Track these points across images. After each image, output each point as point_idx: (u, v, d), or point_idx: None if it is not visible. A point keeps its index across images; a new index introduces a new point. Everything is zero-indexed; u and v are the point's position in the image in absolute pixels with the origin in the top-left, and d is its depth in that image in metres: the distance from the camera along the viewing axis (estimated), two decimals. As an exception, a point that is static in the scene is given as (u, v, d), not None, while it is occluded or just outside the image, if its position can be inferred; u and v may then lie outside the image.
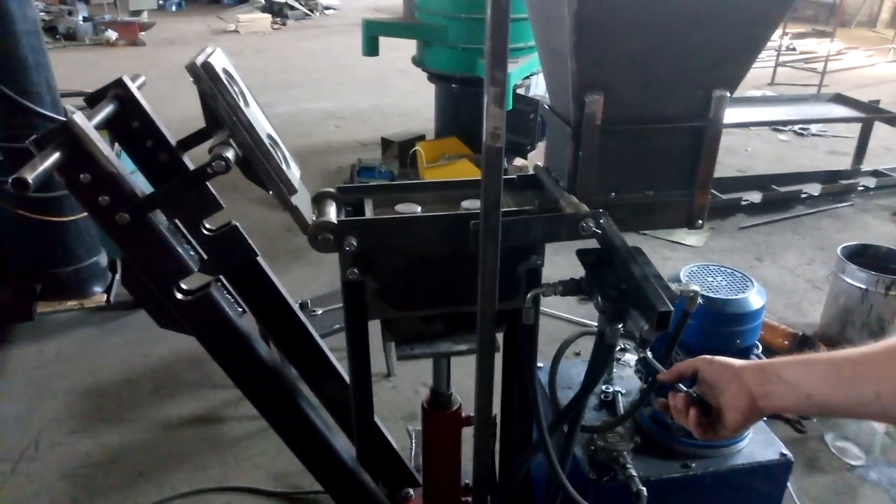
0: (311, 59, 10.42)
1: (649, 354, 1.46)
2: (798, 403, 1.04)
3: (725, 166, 5.83)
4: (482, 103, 1.19)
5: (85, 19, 11.53)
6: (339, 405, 2.04)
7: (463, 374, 2.12)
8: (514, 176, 1.71)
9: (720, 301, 1.71)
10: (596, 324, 1.48)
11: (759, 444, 1.89)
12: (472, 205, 1.60)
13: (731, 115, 1.63)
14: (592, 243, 1.46)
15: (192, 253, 1.49)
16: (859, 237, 4.20)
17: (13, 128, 3.25)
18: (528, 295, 1.47)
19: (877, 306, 3.23)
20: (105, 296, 3.78)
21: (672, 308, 1.25)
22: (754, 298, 1.74)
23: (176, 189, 1.34)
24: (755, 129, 6.90)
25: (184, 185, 1.34)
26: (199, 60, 1.30)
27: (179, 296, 1.40)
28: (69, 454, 2.78)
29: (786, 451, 1.86)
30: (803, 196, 5.09)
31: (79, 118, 1.22)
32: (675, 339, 1.57)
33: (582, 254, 1.49)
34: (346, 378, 1.93)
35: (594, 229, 1.41)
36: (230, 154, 1.35)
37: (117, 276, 3.90)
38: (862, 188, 5.30)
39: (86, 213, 3.46)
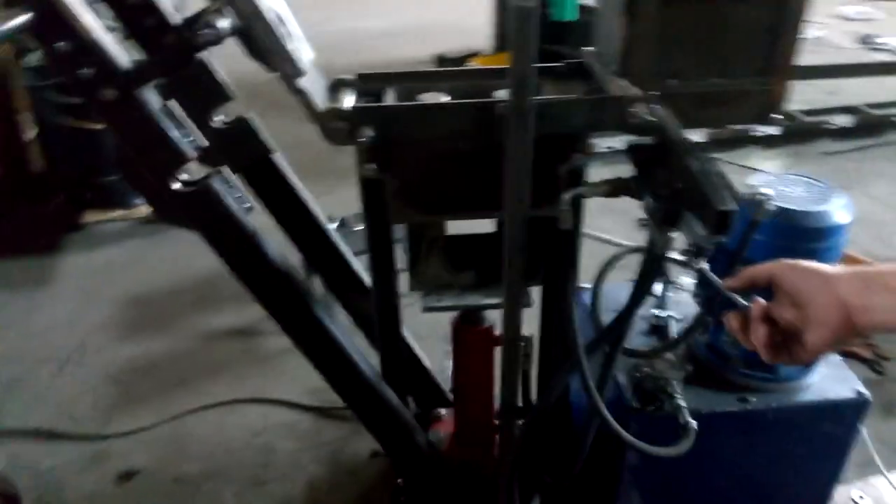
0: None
1: (706, 266, 1.25)
2: None
3: (811, 86, 5.29)
4: None
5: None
6: (370, 322, 1.92)
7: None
8: (560, 63, 1.49)
9: (797, 213, 1.47)
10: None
11: (831, 381, 1.67)
12: (506, 95, 1.40)
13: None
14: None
15: (193, 143, 1.36)
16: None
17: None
18: (566, 195, 1.27)
19: (981, 238, 2.86)
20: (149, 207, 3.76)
21: (735, 207, 1.04)
22: (839, 212, 1.49)
23: (166, 62, 1.19)
24: (848, 47, 6.24)
25: (173, 56, 1.19)
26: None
27: (177, 186, 1.27)
28: (113, 359, 2.81)
29: (863, 390, 1.64)
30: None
31: (49, -27, 1.07)
32: (740, 254, 1.36)
33: (632, 149, 1.28)
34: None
35: (646, 117, 1.19)
36: (225, 23, 1.19)
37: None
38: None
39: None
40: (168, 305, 3.13)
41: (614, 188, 1.25)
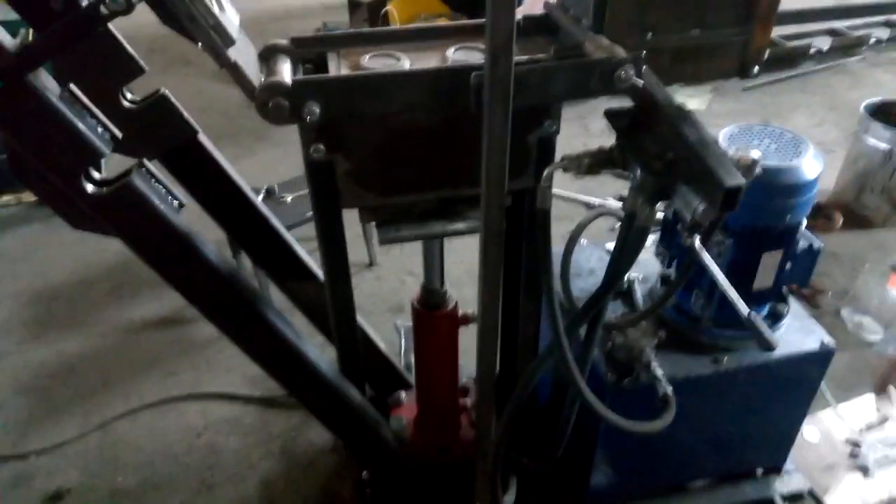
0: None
1: (697, 243, 1.17)
2: None
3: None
4: None
5: None
6: (315, 306, 1.77)
7: (453, 260, 1.84)
8: (518, 17, 1.34)
9: (771, 170, 1.40)
10: (602, 200, 1.17)
11: (798, 332, 1.67)
12: (464, 56, 1.24)
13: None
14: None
15: (105, 133, 1.14)
16: (871, 94, 3.85)
17: None
18: (546, 171, 1.15)
19: (900, 169, 2.96)
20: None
21: (742, 181, 0.95)
22: (810, 164, 1.44)
23: (61, 37, 0.96)
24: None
25: (71, 30, 0.96)
26: None
27: (91, 188, 1.06)
28: (22, 365, 2.52)
29: (827, 340, 1.64)
30: (812, 51, 4.67)
31: None
32: (721, 218, 1.29)
33: (613, 115, 1.16)
34: (320, 275, 1.65)
35: (634, 80, 1.07)
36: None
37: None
38: (874, 40, 4.88)
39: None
40: (79, 297, 2.83)
41: (598, 160, 1.14)
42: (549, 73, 1.05)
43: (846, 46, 4.84)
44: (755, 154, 1.14)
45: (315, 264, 1.70)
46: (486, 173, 1.06)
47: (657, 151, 1.08)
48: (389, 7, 4.53)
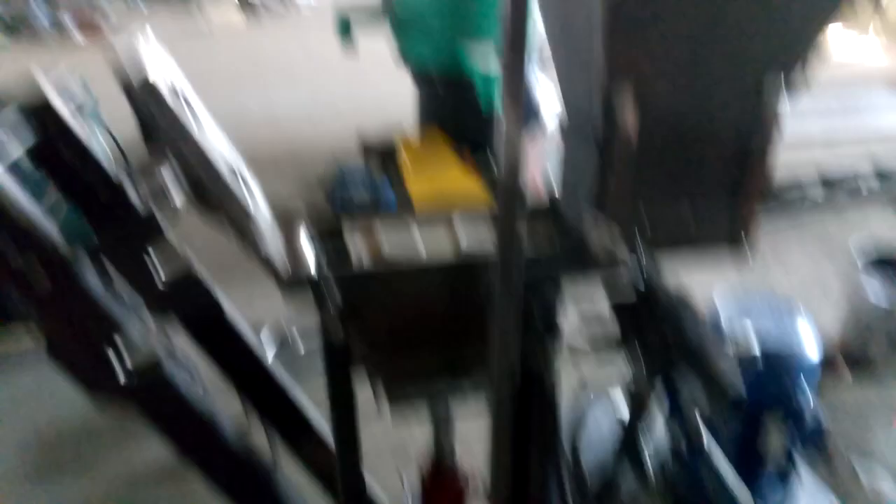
0: (287, 56, 10.05)
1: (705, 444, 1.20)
2: None
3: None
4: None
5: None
6: (322, 466, 1.76)
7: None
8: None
9: (771, 356, 1.44)
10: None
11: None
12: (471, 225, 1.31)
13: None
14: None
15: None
16: (865, 236, 3.97)
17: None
18: (553, 356, 1.20)
19: (903, 320, 3.00)
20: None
21: (742, 394, 1.00)
22: (809, 347, 1.48)
23: (116, 234, 1.06)
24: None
25: (125, 239, 1.05)
26: (139, 74, 1.02)
27: (122, 378, 1.10)
28: (23, 514, 2.47)
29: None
30: (806, 198, 4.86)
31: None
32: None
33: (615, 298, 1.21)
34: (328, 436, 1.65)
35: (633, 273, 1.14)
36: (177, 197, 1.08)
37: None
38: (866, 186, 5.08)
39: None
40: (84, 441, 2.80)
41: (604, 343, 1.19)
42: (553, 265, 1.13)
43: (840, 188, 5.03)
44: (754, 350, 1.19)
45: (324, 422, 1.70)
46: (495, 361, 1.11)
47: (659, 335, 1.13)
48: (402, 162, 4.72)
